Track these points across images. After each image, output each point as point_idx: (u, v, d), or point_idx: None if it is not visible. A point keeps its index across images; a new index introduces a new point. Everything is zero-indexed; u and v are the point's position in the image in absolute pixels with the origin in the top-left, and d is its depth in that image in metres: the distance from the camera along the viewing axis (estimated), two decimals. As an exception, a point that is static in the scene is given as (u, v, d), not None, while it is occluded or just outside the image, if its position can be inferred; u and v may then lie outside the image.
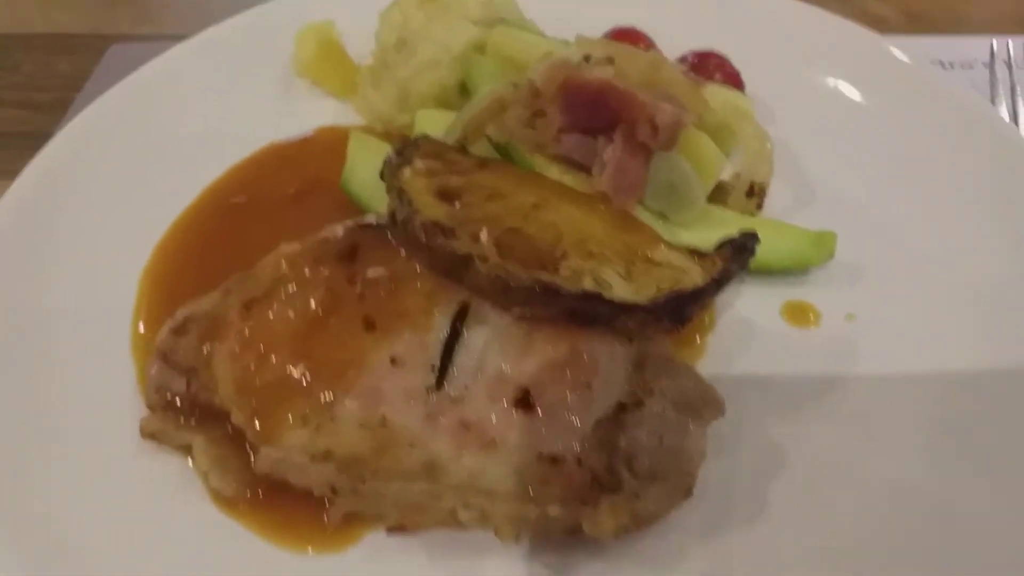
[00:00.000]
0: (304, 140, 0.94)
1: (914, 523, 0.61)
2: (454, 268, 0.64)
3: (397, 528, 0.61)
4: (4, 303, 0.74)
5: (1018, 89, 1.00)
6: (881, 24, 1.16)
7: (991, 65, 1.03)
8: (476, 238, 0.64)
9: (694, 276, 0.64)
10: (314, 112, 0.97)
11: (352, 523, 0.62)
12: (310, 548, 0.62)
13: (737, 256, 0.65)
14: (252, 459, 0.62)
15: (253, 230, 0.82)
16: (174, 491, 0.64)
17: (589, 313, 0.61)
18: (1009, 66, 1.03)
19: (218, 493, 0.63)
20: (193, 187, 0.88)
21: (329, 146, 0.92)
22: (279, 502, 0.63)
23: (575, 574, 0.60)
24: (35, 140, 0.89)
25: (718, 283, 0.63)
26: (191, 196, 0.87)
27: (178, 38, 1.01)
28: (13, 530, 0.60)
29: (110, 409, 0.69)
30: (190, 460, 0.65)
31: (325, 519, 0.62)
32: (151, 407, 0.67)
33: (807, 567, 0.60)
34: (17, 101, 1.08)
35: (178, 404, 0.66)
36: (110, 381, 0.71)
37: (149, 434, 0.66)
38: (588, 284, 0.61)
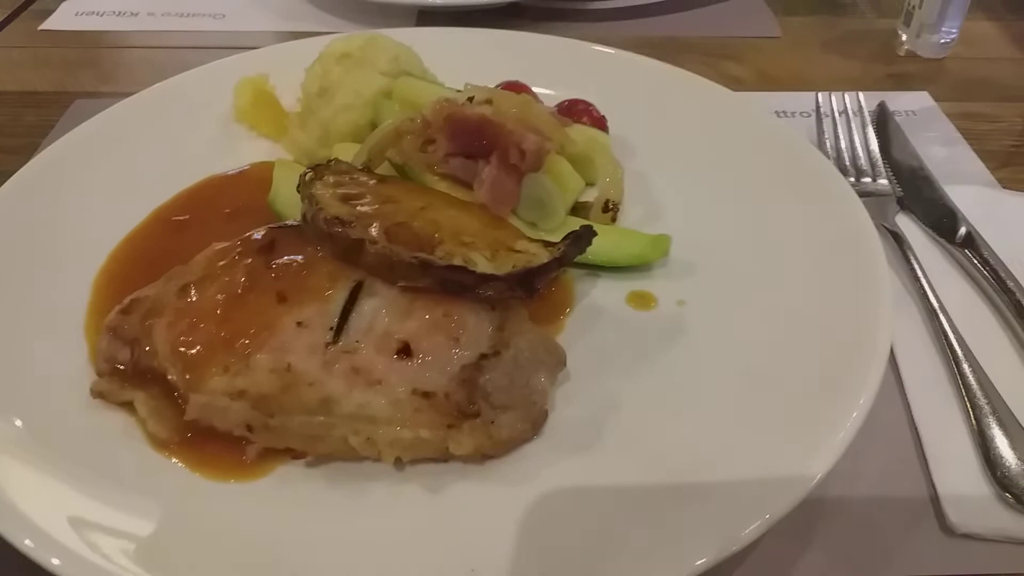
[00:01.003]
0: (240, 173, 1.11)
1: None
2: (350, 252, 0.80)
3: (300, 455, 0.75)
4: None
5: (839, 131, 1.22)
6: (737, 83, 1.39)
7: (816, 113, 1.25)
8: (368, 228, 0.80)
9: (541, 258, 0.81)
10: (250, 151, 1.15)
11: (265, 458, 0.76)
12: (232, 480, 0.75)
13: (575, 242, 0.82)
14: (184, 410, 0.77)
15: (193, 241, 0.97)
16: (118, 438, 0.78)
17: (458, 283, 0.78)
18: (831, 114, 1.25)
19: (155, 437, 0.77)
20: (143, 209, 1.04)
21: (261, 177, 1.08)
22: (206, 444, 0.77)
23: (445, 491, 0.74)
24: (2, 177, 1.03)
25: (559, 261, 0.80)
26: (142, 216, 1.03)
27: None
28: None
29: (66, 378, 0.82)
30: (132, 417, 0.79)
31: (244, 456, 0.76)
32: (100, 373, 0.81)
33: (631, 483, 0.75)
34: (-9, 146, 1.24)
35: (123, 369, 0.81)
36: (66, 357, 0.85)
37: (98, 393, 0.80)
38: (458, 262, 0.78)
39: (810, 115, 1.29)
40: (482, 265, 0.79)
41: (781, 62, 1.47)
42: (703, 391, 0.82)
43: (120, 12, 1.60)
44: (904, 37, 1.49)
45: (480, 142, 0.95)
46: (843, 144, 1.20)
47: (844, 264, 0.91)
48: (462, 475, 0.76)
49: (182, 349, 0.78)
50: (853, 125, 1.22)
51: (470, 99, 0.98)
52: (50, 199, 1.01)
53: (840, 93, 1.26)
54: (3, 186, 1.00)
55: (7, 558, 0.67)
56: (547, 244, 0.84)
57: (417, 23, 1.51)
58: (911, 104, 1.34)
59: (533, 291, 0.80)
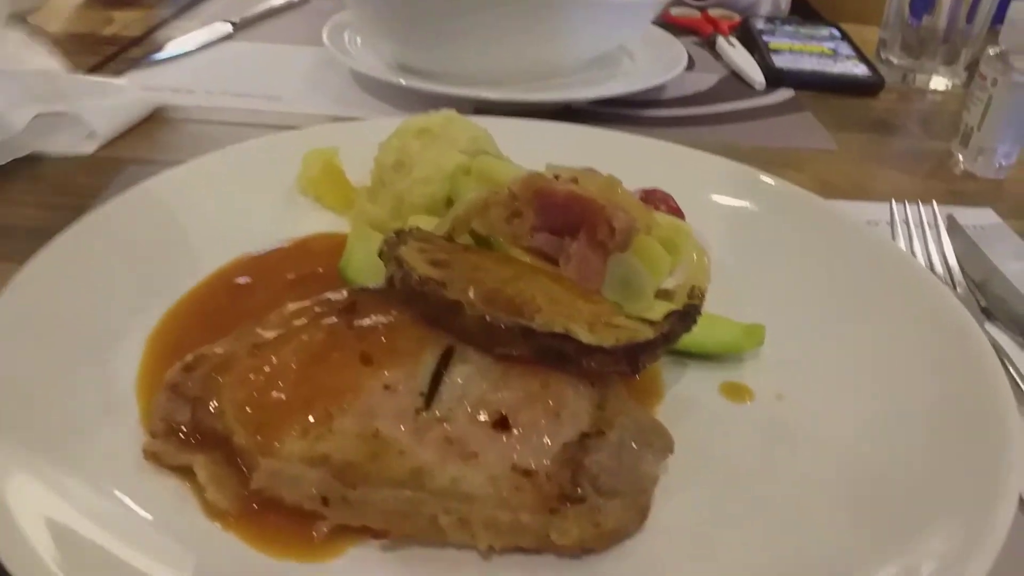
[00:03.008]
0: (302, 242, 1.07)
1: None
2: (443, 315, 0.74)
3: (382, 534, 0.67)
4: (24, 353, 0.81)
5: (914, 239, 1.19)
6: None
7: (892, 222, 1.23)
8: (464, 291, 0.75)
9: (646, 333, 0.75)
10: (313, 223, 1.11)
11: (337, 537, 0.67)
12: (297, 559, 0.66)
13: (681, 320, 0.77)
14: (248, 478, 0.69)
15: (256, 304, 0.91)
16: (171, 505, 0.69)
17: (558, 352, 0.71)
18: (907, 223, 1.22)
19: (213, 506, 0.68)
20: (202, 272, 0.98)
21: (325, 248, 1.04)
22: (270, 517, 0.68)
23: (540, 588, 0.66)
24: (53, 235, 0.98)
25: (666, 337, 0.75)
26: (199, 278, 0.97)
27: (191, 164, 1.15)
28: (18, 536, 0.64)
29: (115, 439, 0.74)
30: (186, 482, 0.71)
31: (313, 533, 0.67)
32: (154, 434, 0.74)
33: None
34: (37, 203, 1.19)
35: (181, 431, 0.73)
36: (115, 418, 0.77)
37: (152, 454, 0.72)
38: (559, 331, 0.72)
39: (878, 223, 1.26)
40: (583, 337, 0.73)
41: (840, 173, 1.46)
42: (816, 497, 0.75)
43: (176, 89, 1.60)
44: (961, 157, 1.49)
45: (568, 217, 0.91)
46: (919, 253, 1.17)
47: (953, 363, 0.85)
48: (558, 570, 0.67)
49: (254, 409, 0.70)
50: (929, 235, 1.20)
51: (556, 176, 0.95)
52: (103, 256, 0.96)
53: (913, 204, 1.25)
54: (56, 238, 0.95)
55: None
56: (648, 322, 0.79)
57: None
58: (977, 219, 1.32)
59: (638, 368, 0.74)
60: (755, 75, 1.85)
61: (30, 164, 1.29)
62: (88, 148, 1.34)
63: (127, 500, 0.69)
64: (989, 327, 1.05)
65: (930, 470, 0.75)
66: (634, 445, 0.70)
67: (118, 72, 1.65)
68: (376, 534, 0.67)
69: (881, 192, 1.40)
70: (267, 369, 0.73)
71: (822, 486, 0.76)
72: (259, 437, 0.69)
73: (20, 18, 1.70)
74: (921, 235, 1.20)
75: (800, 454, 0.80)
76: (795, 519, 0.72)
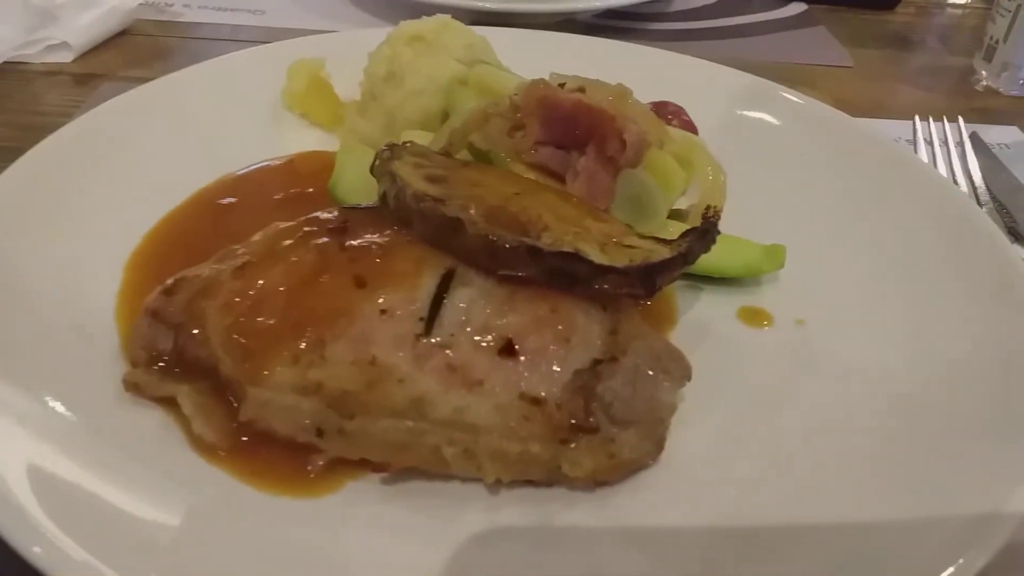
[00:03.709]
0: (289, 160, 1.00)
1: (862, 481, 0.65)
2: (443, 234, 0.68)
3: (381, 467, 0.62)
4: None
5: (938, 159, 1.13)
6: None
7: (915, 139, 1.16)
8: (464, 207, 0.69)
9: (663, 253, 0.69)
10: (300, 140, 1.04)
11: (334, 471, 0.63)
12: (291, 495, 0.62)
13: (700, 239, 0.71)
14: (236, 410, 0.64)
15: (241, 226, 0.85)
16: (154, 439, 0.65)
17: (568, 274, 0.66)
18: (930, 142, 1.16)
19: (200, 439, 0.64)
20: (183, 191, 0.92)
21: (314, 168, 0.98)
22: (261, 451, 0.64)
23: (550, 523, 0.61)
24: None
25: (684, 257, 0.69)
26: (181, 198, 0.91)
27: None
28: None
29: (93, 368, 0.69)
30: (170, 415, 0.66)
31: (308, 467, 0.63)
32: (135, 363, 0.69)
33: (765, 526, 0.63)
34: (8, 122, 1.11)
35: (164, 359, 0.68)
36: (93, 344, 0.72)
37: (132, 385, 0.67)
38: (568, 250, 0.66)
39: (899, 141, 1.20)
40: (596, 256, 0.67)
41: (857, 91, 1.39)
42: (844, 423, 0.70)
43: (152, 2, 1.50)
44: (984, 73, 1.42)
45: (575, 130, 0.84)
46: (943, 171, 1.11)
47: (983, 285, 0.80)
48: (570, 503, 0.63)
49: (241, 335, 0.65)
50: (953, 153, 1.13)
51: (561, 85, 0.88)
52: (78, 174, 0.89)
53: (937, 121, 1.18)
54: (24, 156, 0.88)
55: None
56: (662, 241, 0.73)
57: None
58: (1002, 137, 1.26)
59: (654, 290, 0.68)
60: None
61: (1, 79, 1.21)
62: (66, 57, 1.27)
63: (109, 435, 0.64)
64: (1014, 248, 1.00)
65: (959, 398, 0.70)
66: (650, 372, 0.65)
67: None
68: (375, 467, 0.62)
69: (900, 109, 1.32)
70: (254, 293, 0.67)
71: (845, 414, 0.71)
72: (247, 365, 0.63)
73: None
74: (945, 153, 1.13)
75: (821, 381, 0.75)
76: (816, 448, 0.68)
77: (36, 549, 0.53)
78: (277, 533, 0.59)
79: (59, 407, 0.65)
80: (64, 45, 1.27)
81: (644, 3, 1.53)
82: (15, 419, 0.63)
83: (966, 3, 1.80)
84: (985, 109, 1.36)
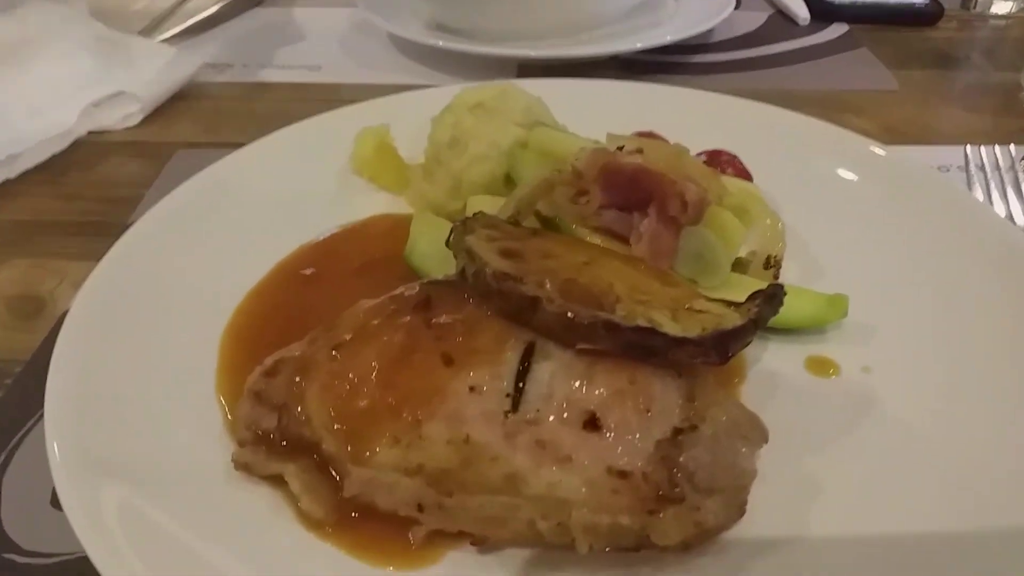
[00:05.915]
0: (363, 224, 1.05)
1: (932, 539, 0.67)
2: (522, 310, 0.72)
3: (479, 541, 0.66)
4: (102, 358, 0.81)
5: (991, 186, 1.14)
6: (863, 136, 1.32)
7: (967, 167, 1.17)
8: (541, 284, 0.73)
9: (733, 319, 0.73)
10: (370, 204, 1.09)
11: (434, 542, 0.67)
12: (396, 567, 0.66)
13: (768, 302, 0.74)
14: (340, 485, 0.69)
15: (325, 296, 0.91)
16: (266, 517, 0.70)
17: (644, 346, 0.69)
18: (983, 168, 1.17)
19: (308, 515, 0.69)
20: (266, 264, 0.97)
21: (386, 230, 1.03)
22: (365, 524, 0.68)
23: (640, 587, 0.65)
24: (113, 228, 0.98)
25: (755, 323, 0.72)
26: (264, 270, 0.96)
27: (239, 146, 1.12)
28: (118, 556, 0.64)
29: (201, 449, 0.74)
30: (278, 491, 0.71)
31: (410, 538, 0.67)
32: (241, 443, 0.74)
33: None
34: (94, 196, 1.18)
35: (269, 438, 0.73)
36: (199, 425, 0.77)
37: (242, 465, 0.72)
38: (643, 323, 0.70)
39: (949, 168, 1.21)
40: (669, 327, 0.71)
41: (904, 115, 1.40)
42: (915, 472, 0.73)
43: (213, 64, 1.57)
44: (1032, 90, 1.42)
45: (637, 193, 0.88)
46: (997, 201, 1.12)
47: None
48: (659, 567, 0.66)
49: (341, 416, 0.70)
50: (1006, 180, 1.14)
51: (619, 148, 0.92)
52: (168, 254, 0.94)
53: (988, 147, 1.19)
54: (120, 240, 0.94)
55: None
56: (730, 303, 0.76)
57: (518, 76, 1.47)
58: (1055, 159, 1.26)
59: (728, 357, 0.72)
60: (798, 10, 1.77)
61: (80, 152, 1.28)
62: (134, 119, 1.34)
63: (221, 513, 0.69)
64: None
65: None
66: (729, 438, 0.68)
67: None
68: (473, 540, 0.66)
69: (949, 134, 1.34)
70: (350, 374, 0.72)
71: (916, 463, 0.74)
72: (350, 446, 0.68)
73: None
74: (998, 181, 1.15)
75: (891, 430, 0.78)
76: (890, 500, 0.71)
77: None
78: (386, 604, 0.64)
79: (174, 487, 0.71)
80: (131, 97, 1.34)
81: (688, 39, 1.56)
82: (135, 498, 0.68)
83: (1010, 13, 1.79)
84: (1036, 128, 1.36)
